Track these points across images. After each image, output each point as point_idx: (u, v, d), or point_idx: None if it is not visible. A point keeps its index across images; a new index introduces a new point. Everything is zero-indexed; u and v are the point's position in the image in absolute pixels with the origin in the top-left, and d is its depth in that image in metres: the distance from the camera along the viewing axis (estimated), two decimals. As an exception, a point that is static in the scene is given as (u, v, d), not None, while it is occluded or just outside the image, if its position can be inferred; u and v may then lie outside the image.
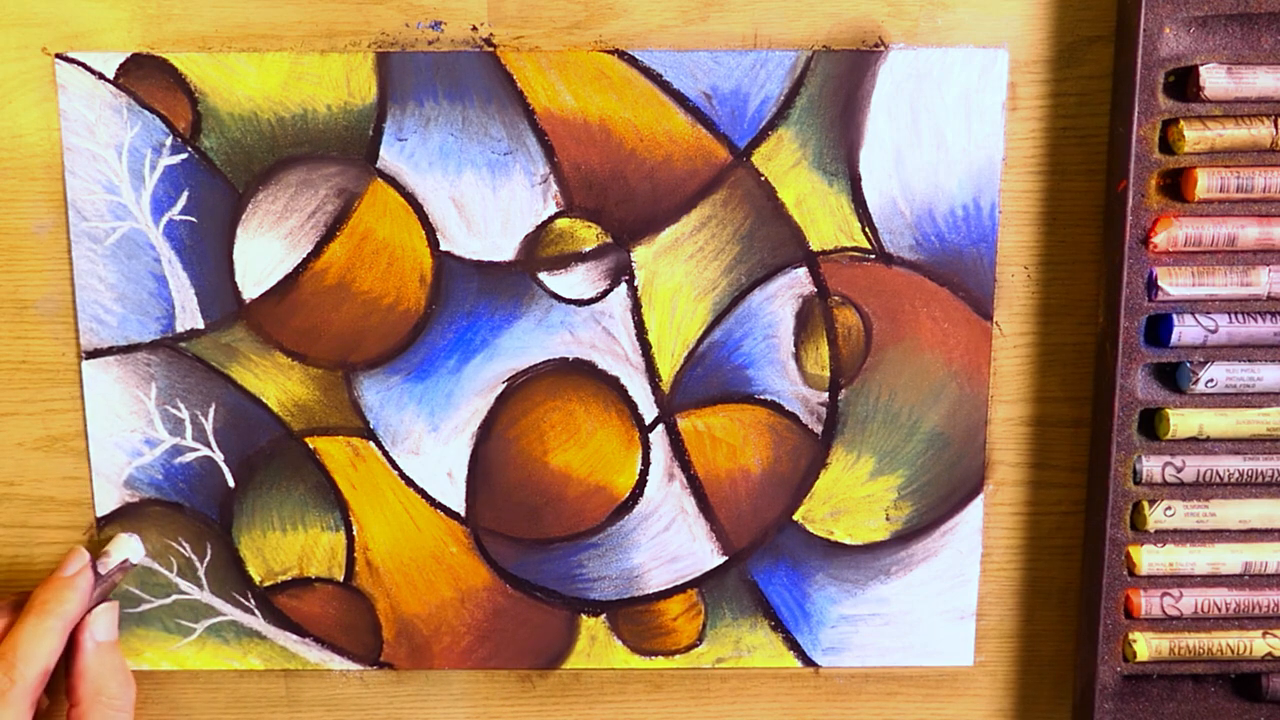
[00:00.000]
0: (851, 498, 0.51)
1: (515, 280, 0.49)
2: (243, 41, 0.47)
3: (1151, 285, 0.47)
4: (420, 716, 0.53)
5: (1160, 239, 0.47)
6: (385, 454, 0.50)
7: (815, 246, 0.49)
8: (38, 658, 0.45)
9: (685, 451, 0.50)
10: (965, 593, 0.51)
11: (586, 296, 0.49)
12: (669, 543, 0.51)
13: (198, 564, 0.51)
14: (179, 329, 0.49)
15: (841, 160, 0.48)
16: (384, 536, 0.51)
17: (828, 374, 0.50)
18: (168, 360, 0.50)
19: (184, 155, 0.48)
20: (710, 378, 0.50)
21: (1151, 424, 0.48)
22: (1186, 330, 0.47)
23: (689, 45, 0.47)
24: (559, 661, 0.52)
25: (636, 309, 0.49)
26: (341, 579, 0.51)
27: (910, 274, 0.49)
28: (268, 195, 0.48)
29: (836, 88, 0.47)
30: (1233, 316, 0.47)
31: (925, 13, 0.47)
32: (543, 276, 0.49)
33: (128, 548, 0.50)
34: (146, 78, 0.47)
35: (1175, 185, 0.47)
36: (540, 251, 0.49)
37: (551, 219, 0.49)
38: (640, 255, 0.49)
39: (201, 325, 0.49)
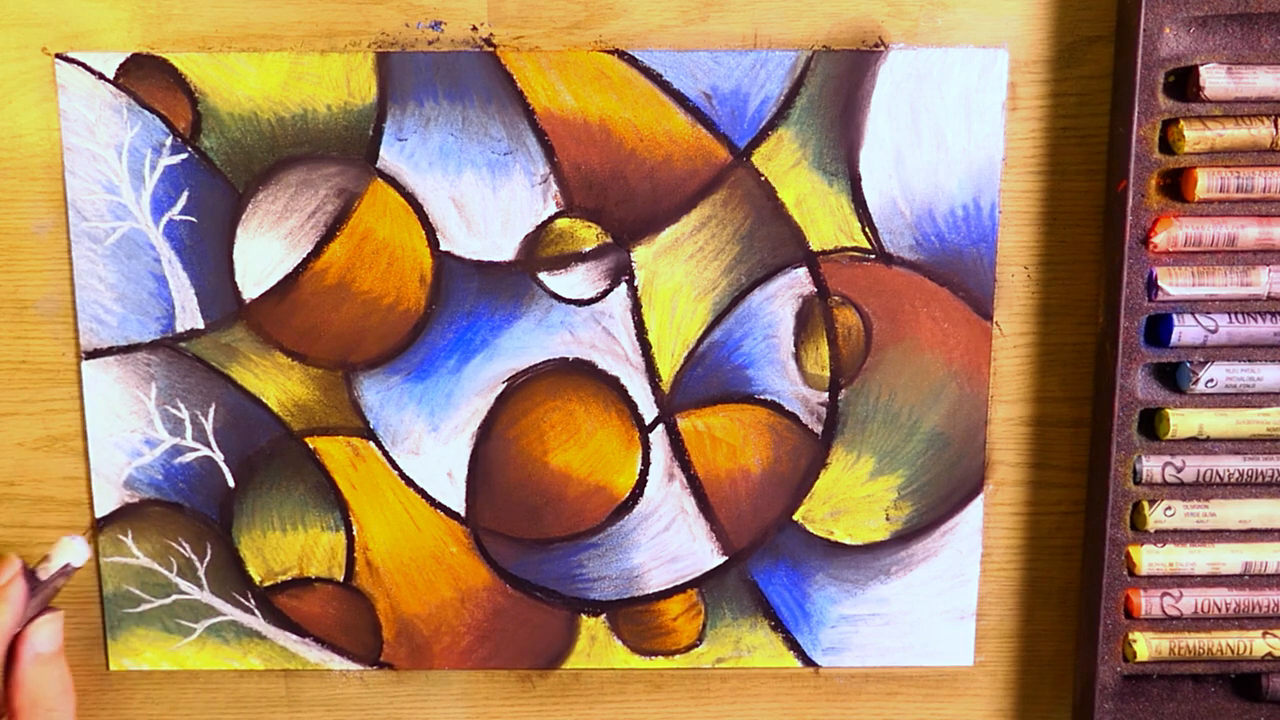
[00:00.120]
0: (851, 498, 0.51)
1: (515, 280, 0.49)
2: (243, 41, 0.47)
3: (1151, 285, 0.47)
4: (420, 716, 0.53)
5: (1160, 239, 0.47)
6: (385, 454, 0.50)
7: (815, 246, 0.49)
8: None
9: (685, 451, 0.50)
10: (965, 593, 0.51)
11: (586, 296, 0.49)
12: (669, 543, 0.51)
13: (198, 564, 0.51)
14: (179, 329, 0.49)
15: (841, 160, 0.48)
16: (384, 536, 0.51)
17: (828, 374, 0.50)
18: (168, 360, 0.50)
19: (184, 155, 0.48)
20: (710, 378, 0.50)
21: (1151, 424, 0.48)
22: (1186, 330, 0.47)
23: (689, 45, 0.47)
24: (559, 661, 0.52)
25: (636, 309, 0.49)
26: (341, 579, 0.51)
27: (910, 274, 0.49)
28: (268, 195, 0.48)
29: (836, 88, 0.47)
30: (1233, 316, 0.47)
31: (925, 13, 0.47)
32: (543, 276, 0.49)
33: (70, 551, 0.46)
34: (146, 78, 0.47)
35: (1175, 185, 0.47)
36: (540, 251, 0.49)
37: (551, 219, 0.49)
38: (640, 255, 0.49)
39: (201, 325, 0.49)
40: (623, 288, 0.49)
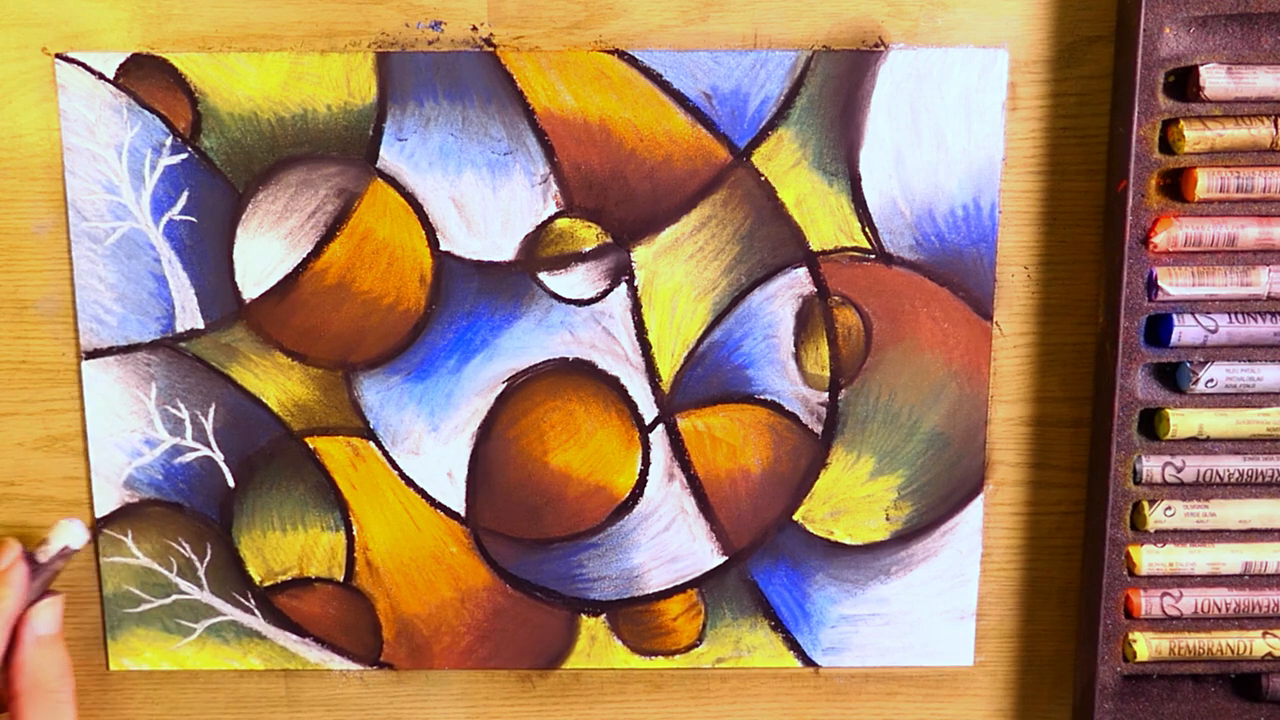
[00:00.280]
0: (851, 498, 0.51)
1: (515, 280, 0.49)
2: (243, 41, 0.47)
3: (1151, 285, 0.47)
4: (420, 716, 0.53)
5: (1160, 239, 0.47)
6: (385, 454, 0.50)
7: (815, 246, 0.49)
8: None
9: (685, 451, 0.50)
10: (965, 593, 0.51)
11: (586, 296, 0.49)
12: (669, 543, 0.51)
13: (198, 564, 0.51)
14: (179, 329, 0.49)
15: (841, 160, 0.48)
16: (384, 536, 0.51)
17: (828, 374, 0.50)
18: (168, 360, 0.50)
19: (184, 155, 0.48)
20: (710, 378, 0.50)
21: (1151, 424, 0.48)
22: (1186, 330, 0.47)
23: (689, 45, 0.47)
24: (559, 661, 0.52)
25: (636, 309, 0.49)
26: (341, 579, 0.51)
27: (910, 274, 0.49)
28: (268, 195, 0.48)
29: (836, 88, 0.47)
30: (1233, 316, 0.47)
31: (925, 13, 0.47)
32: (543, 276, 0.49)
33: (68, 533, 0.47)
34: (146, 78, 0.47)
35: (1175, 185, 0.47)
36: (540, 251, 0.49)
37: (551, 219, 0.49)
38: (640, 255, 0.49)
39: (201, 325, 0.49)
40: (623, 288, 0.49)
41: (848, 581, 0.51)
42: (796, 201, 0.48)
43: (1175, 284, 0.47)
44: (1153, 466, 0.48)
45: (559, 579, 0.52)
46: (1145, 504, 0.49)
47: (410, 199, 0.48)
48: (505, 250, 0.49)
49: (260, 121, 0.48)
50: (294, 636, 0.52)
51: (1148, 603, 0.49)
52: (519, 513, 0.51)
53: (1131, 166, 0.46)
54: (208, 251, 0.49)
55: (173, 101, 0.48)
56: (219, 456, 0.50)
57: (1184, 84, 0.46)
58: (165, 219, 0.49)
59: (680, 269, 0.49)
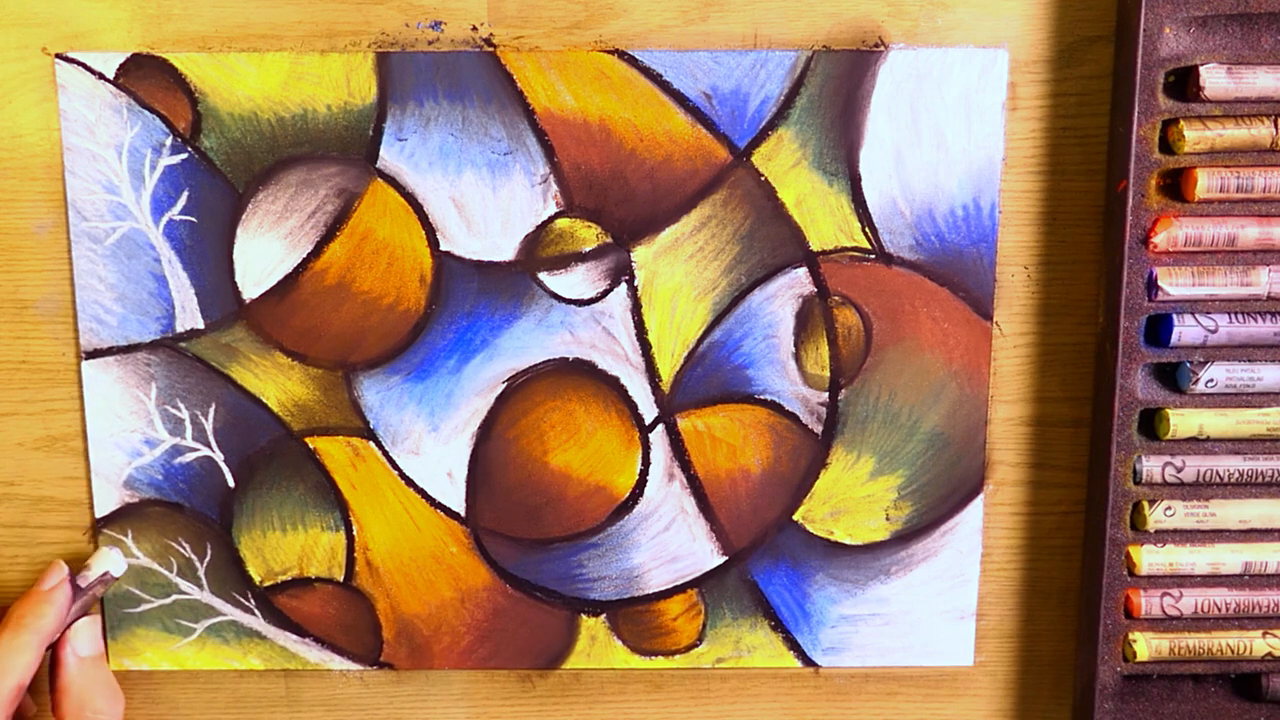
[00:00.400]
0: (851, 498, 0.51)
1: (515, 280, 0.49)
2: (243, 41, 0.47)
3: (1151, 285, 0.47)
4: (420, 716, 0.53)
5: (1160, 239, 0.47)
6: (385, 454, 0.50)
7: (815, 246, 0.49)
8: (11, 672, 0.44)
9: (685, 451, 0.50)
10: (965, 593, 0.51)
11: (586, 296, 0.49)
12: (669, 543, 0.51)
13: (198, 564, 0.51)
14: (179, 329, 0.49)
15: (841, 160, 0.48)
16: (384, 536, 0.51)
17: (828, 374, 0.50)
18: (168, 360, 0.50)
19: (184, 155, 0.48)
20: (710, 378, 0.50)
21: (1151, 424, 0.48)
22: (1186, 330, 0.47)
23: (689, 45, 0.47)
24: (559, 661, 0.52)
25: (636, 309, 0.49)
26: (341, 579, 0.51)
27: (910, 274, 0.49)
28: (268, 195, 0.48)
29: (836, 88, 0.47)
30: (1233, 316, 0.47)
31: (925, 13, 0.47)
32: (543, 276, 0.49)
33: (109, 560, 0.49)
34: (146, 78, 0.47)
35: (1175, 185, 0.47)
36: (540, 251, 0.49)
37: (551, 219, 0.49)
38: (640, 255, 0.49)
39: (201, 325, 0.49)
40: (623, 288, 0.49)
41: (848, 581, 0.51)
42: (796, 201, 0.48)
43: (1175, 284, 0.47)
44: (1153, 466, 0.48)
45: (559, 579, 0.52)
46: (1145, 504, 0.49)
47: (410, 199, 0.48)
48: (505, 250, 0.49)
49: (260, 121, 0.48)
50: (294, 636, 0.52)
51: (1148, 603, 0.49)
52: (519, 513, 0.51)
53: (1131, 166, 0.46)
54: (208, 251, 0.49)
55: (173, 101, 0.48)
56: (219, 456, 0.50)
57: (1184, 84, 0.46)
58: (165, 219, 0.49)
59: (680, 269, 0.49)
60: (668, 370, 0.50)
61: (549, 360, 0.50)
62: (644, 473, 0.51)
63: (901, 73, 0.47)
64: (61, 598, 0.47)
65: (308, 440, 0.50)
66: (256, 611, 0.52)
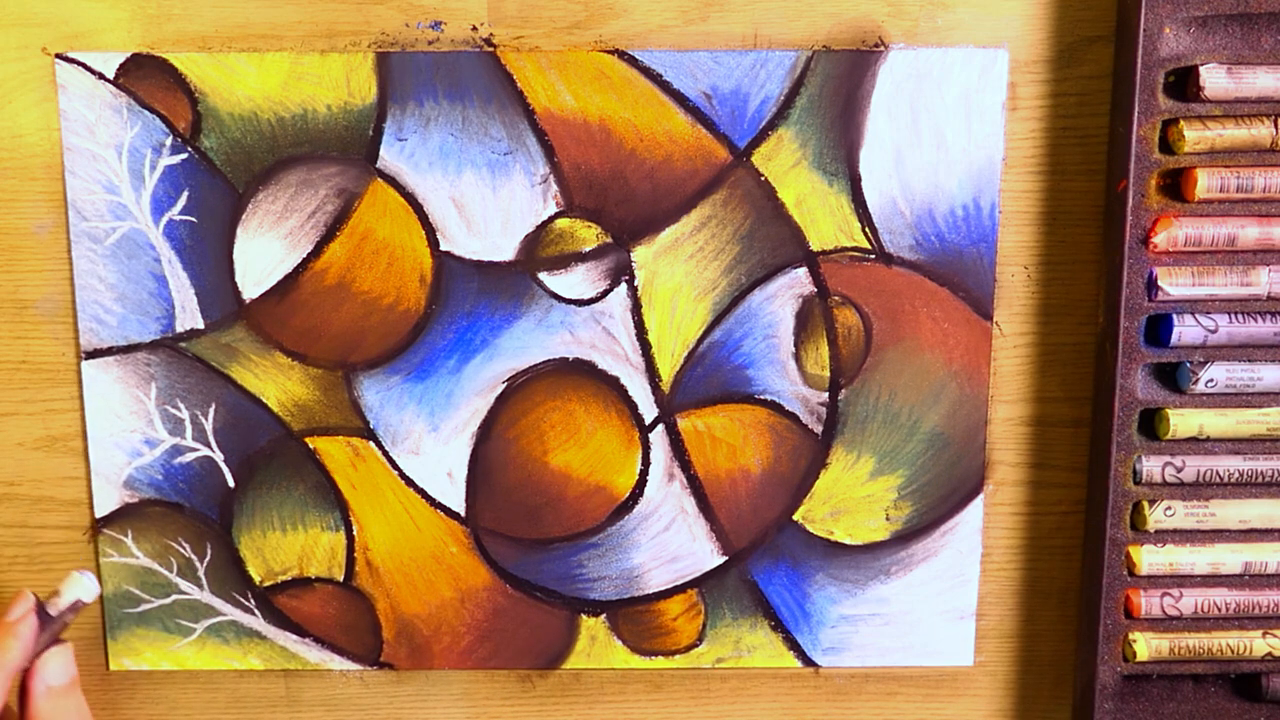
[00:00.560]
0: (851, 498, 0.51)
1: (515, 280, 0.49)
2: (243, 41, 0.47)
3: (1151, 285, 0.47)
4: (420, 716, 0.53)
5: (1160, 239, 0.47)
6: (385, 454, 0.50)
7: (815, 246, 0.49)
8: None
9: (685, 451, 0.50)
10: (965, 593, 0.51)
11: (586, 296, 0.49)
12: (669, 543, 0.51)
13: (198, 564, 0.51)
14: (179, 329, 0.49)
15: (841, 160, 0.48)
16: (384, 536, 0.51)
17: (828, 374, 0.50)
18: (168, 360, 0.50)
19: (184, 155, 0.48)
20: (710, 378, 0.50)
21: (1151, 424, 0.48)
22: (1186, 330, 0.47)
23: (689, 45, 0.47)
24: (559, 661, 0.52)
25: (636, 309, 0.49)
26: (341, 579, 0.51)
27: (910, 274, 0.49)
28: (268, 195, 0.48)
29: (836, 88, 0.47)
30: (1233, 316, 0.47)
31: (925, 13, 0.47)
32: (543, 276, 0.49)
33: (80, 588, 0.46)
34: (146, 78, 0.47)
35: (1175, 185, 0.47)
36: (540, 251, 0.49)
37: (551, 219, 0.49)
38: (640, 255, 0.49)
39: (201, 325, 0.49)
40: (623, 288, 0.49)
41: (848, 581, 0.51)
42: (796, 201, 0.48)
43: (1175, 284, 0.47)
44: (1153, 466, 0.48)
45: (559, 579, 0.52)
46: (1145, 504, 0.49)
47: (410, 199, 0.48)
48: (505, 250, 0.49)
49: (260, 121, 0.48)
50: (294, 636, 0.52)
51: (1148, 603, 0.49)
52: (519, 513, 0.51)
53: (1131, 166, 0.46)
54: (208, 251, 0.49)
55: (173, 101, 0.48)
56: (219, 456, 0.50)
57: (1184, 84, 0.46)
58: (165, 219, 0.49)
59: (680, 269, 0.49)
60: (668, 370, 0.50)
61: (549, 360, 0.50)
62: (644, 473, 0.51)
63: (901, 73, 0.47)
64: (26, 630, 0.45)
65: (308, 440, 0.50)
66: (256, 611, 0.52)
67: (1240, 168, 0.46)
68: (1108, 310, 0.48)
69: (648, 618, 0.52)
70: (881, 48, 0.47)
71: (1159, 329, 0.47)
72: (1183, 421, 0.48)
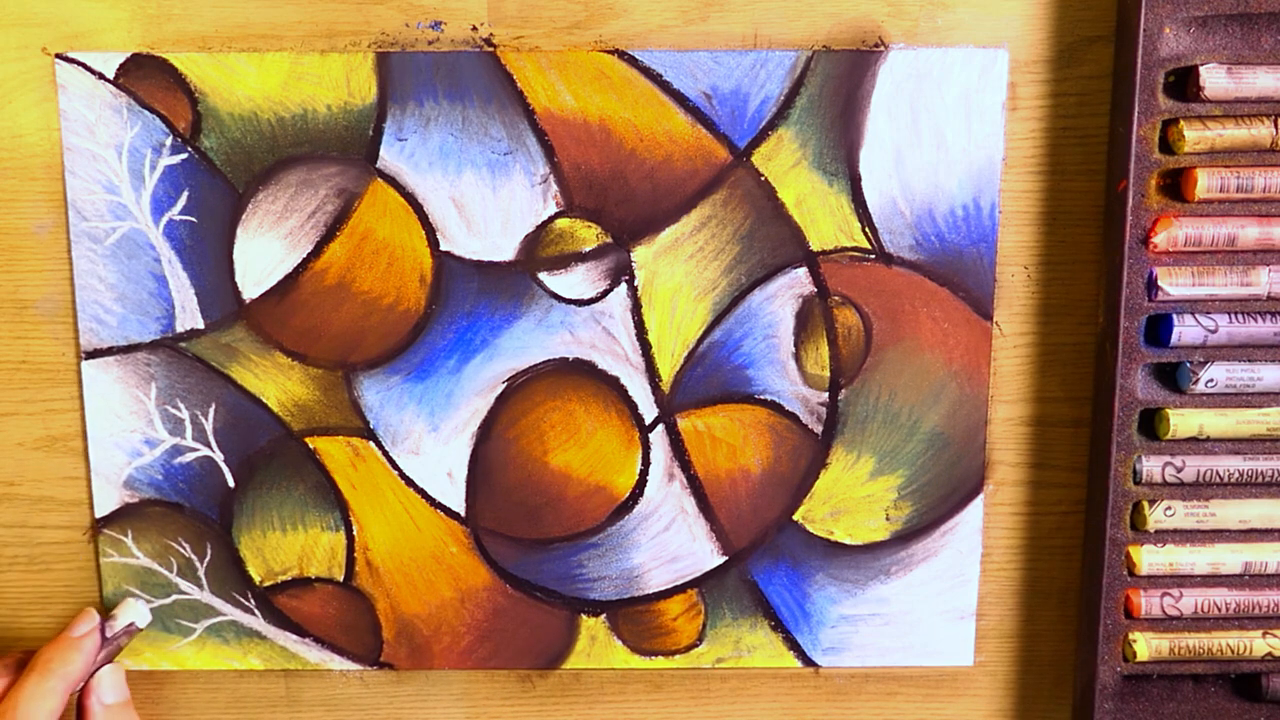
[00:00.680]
0: (851, 498, 0.51)
1: (515, 280, 0.49)
2: (243, 41, 0.47)
3: (1151, 285, 0.47)
4: (420, 716, 0.53)
5: (1160, 239, 0.47)
6: (385, 454, 0.50)
7: (815, 246, 0.49)
8: (37, 716, 0.44)
9: (685, 451, 0.50)
10: (965, 593, 0.51)
11: (586, 296, 0.49)
12: (669, 543, 0.51)
13: (198, 564, 0.51)
14: (179, 329, 0.49)
15: (841, 160, 0.48)
16: (384, 536, 0.51)
17: (828, 374, 0.50)
18: (168, 360, 0.50)
19: (184, 155, 0.48)
20: (710, 378, 0.50)
21: (1151, 424, 0.48)
22: (1186, 330, 0.47)
23: (689, 45, 0.47)
24: (559, 661, 0.52)
25: (636, 309, 0.49)
26: (341, 579, 0.51)
27: (910, 274, 0.49)
28: (268, 195, 0.48)
29: (836, 88, 0.47)
30: (1233, 316, 0.47)
31: (925, 13, 0.47)
32: (543, 276, 0.49)
33: (134, 612, 0.50)
34: (146, 78, 0.47)
35: (1175, 185, 0.47)
36: (540, 251, 0.49)
37: (551, 219, 0.49)
38: (640, 255, 0.49)
39: (201, 325, 0.49)
40: (623, 288, 0.49)
41: (848, 581, 0.51)
42: (796, 201, 0.48)
43: (1175, 284, 0.47)
44: (1153, 466, 0.48)
45: (559, 579, 0.52)
46: (1145, 504, 0.49)
47: (410, 199, 0.48)
48: (505, 250, 0.49)
49: (260, 121, 0.48)
50: (294, 636, 0.52)
51: (1148, 603, 0.49)
52: (519, 513, 0.51)
53: (1131, 166, 0.46)
54: (208, 251, 0.49)
55: (173, 101, 0.48)
56: (219, 456, 0.50)
57: (1184, 84, 0.46)
58: (165, 219, 0.49)
59: (680, 269, 0.49)
60: (668, 370, 0.50)
61: (549, 360, 0.50)
62: (644, 473, 0.51)
63: (901, 73, 0.47)
64: (90, 645, 0.47)
65: (308, 440, 0.50)
66: (256, 611, 0.52)
67: (1240, 168, 0.46)
68: (1108, 310, 0.48)
69: (648, 618, 0.52)
70: (881, 48, 0.47)
71: (1159, 329, 0.47)
72: (1183, 421, 0.48)
